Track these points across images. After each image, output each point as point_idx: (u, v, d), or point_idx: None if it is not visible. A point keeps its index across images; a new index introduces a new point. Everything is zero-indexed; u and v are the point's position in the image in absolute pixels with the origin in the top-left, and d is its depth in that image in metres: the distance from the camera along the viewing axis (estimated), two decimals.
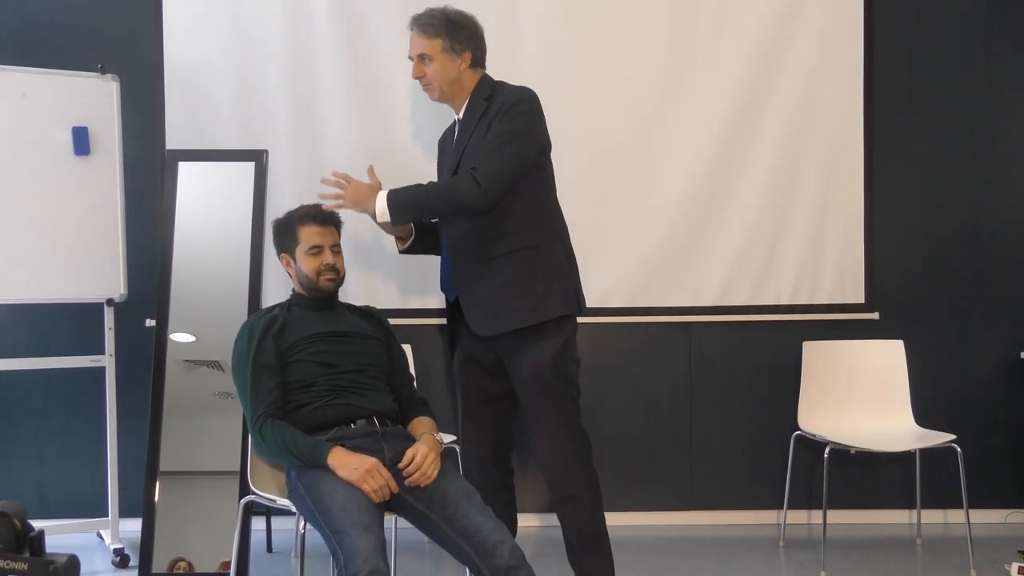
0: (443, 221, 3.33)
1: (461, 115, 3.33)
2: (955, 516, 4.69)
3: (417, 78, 3.30)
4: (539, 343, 3.17)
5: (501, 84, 3.34)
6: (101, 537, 4.48)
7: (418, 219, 3.37)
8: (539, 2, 4.63)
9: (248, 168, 4.26)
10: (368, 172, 3.36)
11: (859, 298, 4.73)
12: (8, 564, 1.29)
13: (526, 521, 4.56)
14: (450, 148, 3.37)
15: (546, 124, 3.31)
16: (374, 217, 3.23)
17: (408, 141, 4.62)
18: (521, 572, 2.68)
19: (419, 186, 3.19)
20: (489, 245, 3.18)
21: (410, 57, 3.30)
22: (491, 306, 3.19)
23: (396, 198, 3.17)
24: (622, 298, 4.67)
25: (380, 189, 3.26)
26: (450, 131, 3.46)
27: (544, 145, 3.29)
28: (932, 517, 4.71)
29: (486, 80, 3.34)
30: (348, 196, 3.22)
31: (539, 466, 3.32)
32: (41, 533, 1.37)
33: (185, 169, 4.26)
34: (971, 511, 4.07)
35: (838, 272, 4.72)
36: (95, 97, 4.25)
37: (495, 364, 3.30)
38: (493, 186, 3.07)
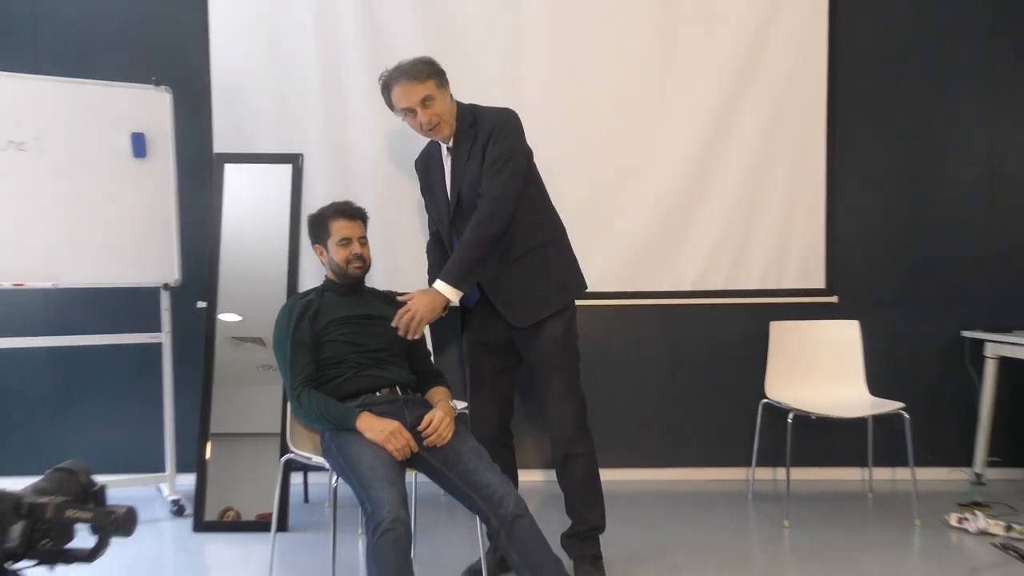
0: (455, 235, 3.24)
1: (451, 143, 3.25)
2: (902, 474, 4.74)
3: (427, 122, 3.14)
4: (552, 322, 3.23)
5: (476, 107, 3.28)
6: (160, 490, 4.53)
7: (479, 277, 3.17)
8: (540, 22, 4.63)
9: (286, 169, 4.30)
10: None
11: (820, 283, 4.76)
12: (76, 513, 1.30)
13: (531, 476, 4.63)
14: (439, 174, 3.31)
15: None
16: (446, 307, 3.12)
17: (422, 141, 4.62)
18: (524, 520, 2.72)
19: (458, 254, 3.07)
20: (508, 250, 3.18)
21: (408, 109, 3.13)
22: (522, 303, 3.21)
23: (453, 277, 3.04)
24: (613, 284, 4.70)
25: (430, 288, 3.10)
26: (431, 155, 3.38)
27: (529, 154, 3.29)
28: (882, 475, 4.76)
29: (462, 107, 3.28)
30: (419, 313, 3.00)
31: (545, 427, 3.34)
32: (103, 487, 1.38)
33: (230, 170, 4.29)
34: (916, 469, 4.09)
35: (802, 261, 4.74)
36: (151, 106, 4.26)
37: (503, 344, 3.33)
38: (507, 205, 3.10)
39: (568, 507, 3.33)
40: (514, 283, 3.21)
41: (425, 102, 3.12)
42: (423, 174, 3.42)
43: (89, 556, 1.33)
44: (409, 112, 3.14)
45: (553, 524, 3.28)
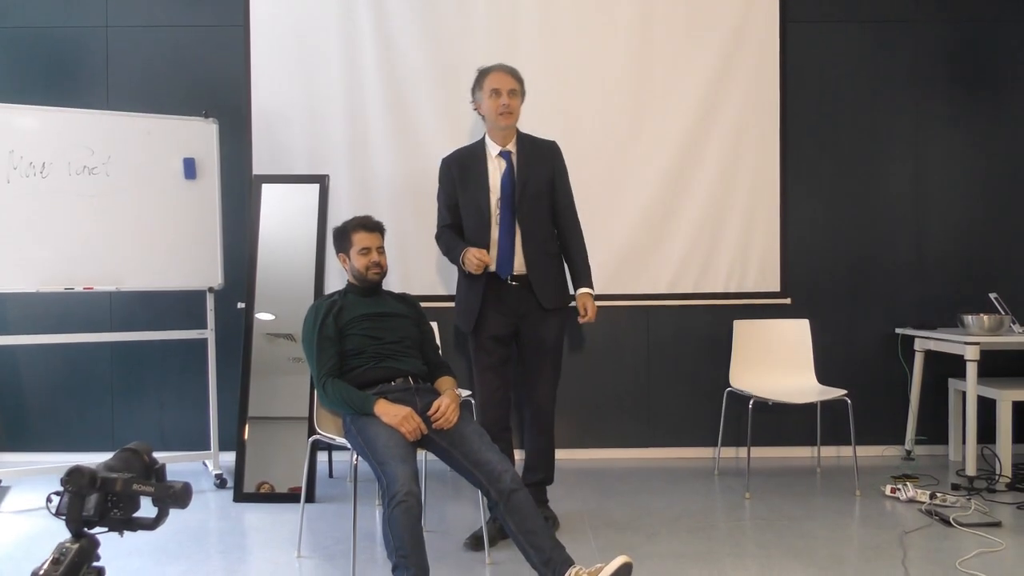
0: (517, 224, 3.37)
1: (512, 147, 3.43)
2: (846, 451, 4.67)
3: (506, 106, 3.34)
4: (558, 317, 3.44)
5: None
6: (206, 465, 4.49)
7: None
8: (534, 58, 4.61)
9: (314, 188, 4.26)
10: None
11: (776, 287, 4.72)
12: (141, 488, 1.32)
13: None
14: (481, 172, 3.41)
15: None
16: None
17: (434, 165, 4.53)
18: (519, 494, 2.69)
19: (585, 264, 3.48)
20: (546, 245, 3.43)
21: (497, 91, 3.34)
22: (553, 288, 3.41)
23: (590, 279, 3.48)
24: (597, 287, 4.54)
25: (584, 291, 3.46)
26: (471, 158, 3.45)
27: None
28: (828, 452, 4.72)
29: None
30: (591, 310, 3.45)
31: (531, 404, 3.44)
32: (163, 465, 1.39)
33: (267, 189, 4.26)
34: (857, 447, 4.07)
35: (760, 268, 4.72)
36: (200, 135, 4.27)
37: (508, 336, 3.40)
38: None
39: (527, 461, 3.48)
40: (548, 272, 3.41)
41: (511, 93, 3.37)
42: (458, 172, 3.45)
43: (152, 524, 1.35)
44: (495, 93, 3.34)
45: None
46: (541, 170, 3.42)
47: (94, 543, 1.26)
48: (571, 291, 3.50)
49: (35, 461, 4.53)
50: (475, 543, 3.20)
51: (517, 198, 3.34)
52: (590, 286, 3.45)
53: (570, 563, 2.58)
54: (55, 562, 1.21)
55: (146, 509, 1.36)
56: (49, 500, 1.28)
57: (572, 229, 3.49)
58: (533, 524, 2.66)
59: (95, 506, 1.27)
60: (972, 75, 4.78)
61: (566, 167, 3.53)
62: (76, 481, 1.27)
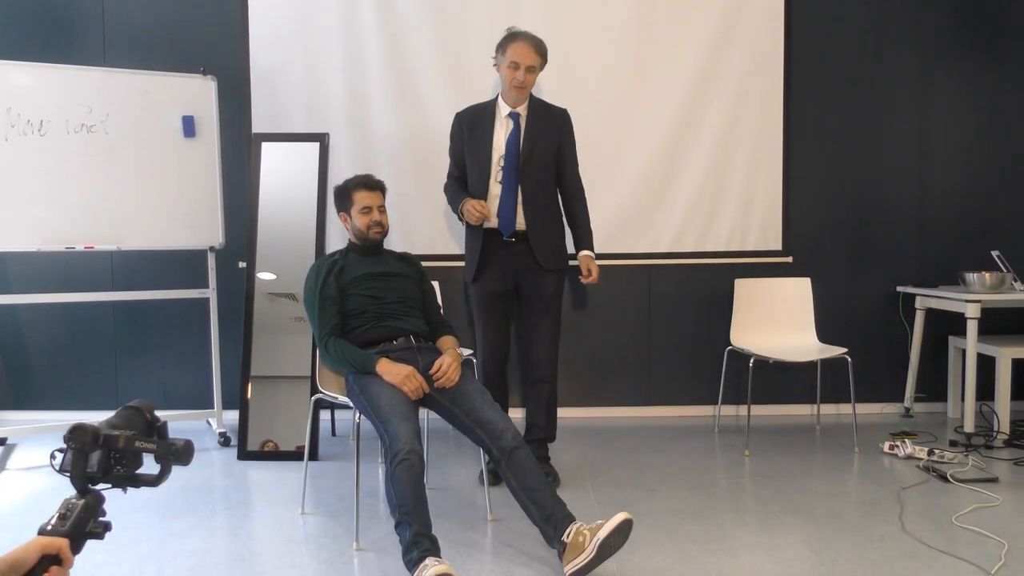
0: (520, 185, 3.43)
1: (523, 111, 3.48)
2: (845, 409, 4.73)
3: (522, 81, 3.38)
4: (556, 276, 3.53)
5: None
6: (209, 423, 4.53)
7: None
8: (535, 19, 4.56)
9: (314, 147, 4.23)
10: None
11: (778, 246, 4.71)
12: (143, 444, 1.33)
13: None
14: (488, 131, 3.47)
15: None
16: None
17: (434, 124, 4.57)
18: (521, 451, 2.71)
19: (586, 226, 3.59)
20: (548, 207, 3.53)
21: (516, 64, 3.36)
22: (551, 249, 3.50)
23: (591, 242, 3.61)
24: (598, 246, 4.55)
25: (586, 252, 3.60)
26: (481, 115, 3.52)
27: None
28: (828, 410, 4.75)
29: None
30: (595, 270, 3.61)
31: (532, 360, 3.53)
32: (165, 423, 1.40)
33: (267, 148, 4.23)
34: (857, 405, 4.10)
35: (762, 226, 4.70)
36: (199, 93, 4.23)
37: (508, 292, 3.52)
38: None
39: (529, 419, 3.56)
40: (547, 234, 3.49)
41: (531, 69, 3.39)
42: (468, 128, 3.52)
43: (155, 481, 1.37)
44: (514, 65, 3.36)
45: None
46: (548, 136, 3.49)
47: (99, 498, 1.28)
48: (570, 252, 3.59)
49: (40, 419, 4.56)
50: (491, 478, 3.29)
51: (521, 161, 3.41)
52: (591, 249, 3.56)
53: (571, 519, 2.60)
54: (62, 517, 1.23)
55: (149, 467, 1.37)
56: (53, 457, 1.30)
57: (576, 194, 3.58)
58: (534, 481, 2.68)
59: (98, 463, 1.28)
60: (976, 33, 4.72)
61: (574, 135, 3.60)
62: (79, 438, 1.28)
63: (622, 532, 2.50)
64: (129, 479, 1.33)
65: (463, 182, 3.57)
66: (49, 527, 1.22)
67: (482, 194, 3.45)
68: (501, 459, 2.71)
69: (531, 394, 3.54)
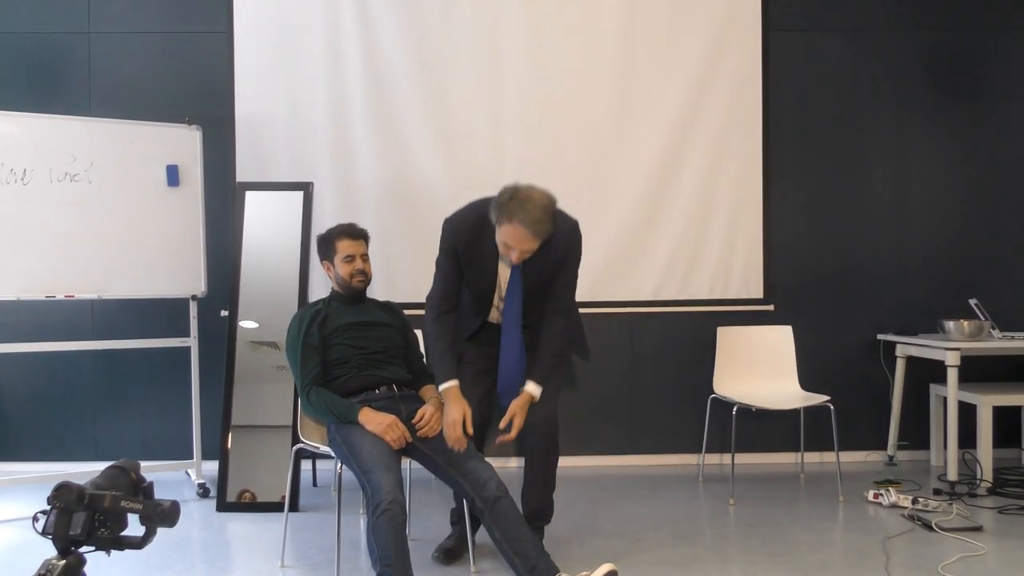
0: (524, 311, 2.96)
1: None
2: (829, 457, 4.72)
3: (517, 260, 2.79)
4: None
5: None
6: (188, 474, 4.45)
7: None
8: (519, 75, 4.63)
9: (298, 196, 4.24)
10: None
11: (759, 294, 4.74)
12: (129, 505, 1.30)
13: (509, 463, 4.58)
14: (490, 253, 2.90)
15: None
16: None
17: (418, 170, 4.63)
18: (504, 501, 2.69)
19: (549, 359, 2.93)
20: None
21: (506, 243, 2.77)
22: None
23: (544, 377, 2.92)
24: (582, 294, 4.57)
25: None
26: (482, 234, 2.90)
27: None
28: (812, 458, 4.73)
29: None
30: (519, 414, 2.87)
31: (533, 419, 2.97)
32: (151, 484, 1.38)
33: (250, 196, 4.24)
34: (840, 453, 4.09)
35: (743, 275, 4.73)
36: (183, 142, 4.23)
37: (491, 366, 3.07)
38: (574, 315, 3.15)
39: (526, 494, 3.08)
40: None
41: (526, 252, 2.79)
42: (467, 246, 2.92)
43: (140, 543, 1.33)
44: (507, 246, 2.77)
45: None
46: (551, 265, 2.93)
47: (81, 560, 1.25)
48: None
49: (15, 471, 4.47)
50: (445, 556, 3.15)
51: (526, 295, 2.95)
52: (541, 382, 2.91)
53: (555, 571, 2.57)
54: None
55: (133, 528, 1.34)
56: (35, 519, 1.26)
57: (557, 312, 3.00)
58: (518, 532, 2.65)
59: (82, 525, 1.25)
60: (953, 83, 4.83)
61: (581, 251, 3.03)
62: (64, 497, 1.25)
63: None
64: (113, 542, 1.29)
65: (454, 310, 3.02)
66: None
67: (481, 315, 3.07)
68: (485, 510, 2.69)
69: (530, 463, 3.06)
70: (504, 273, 2.96)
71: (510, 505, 2.70)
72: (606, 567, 2.49)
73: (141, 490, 1.36)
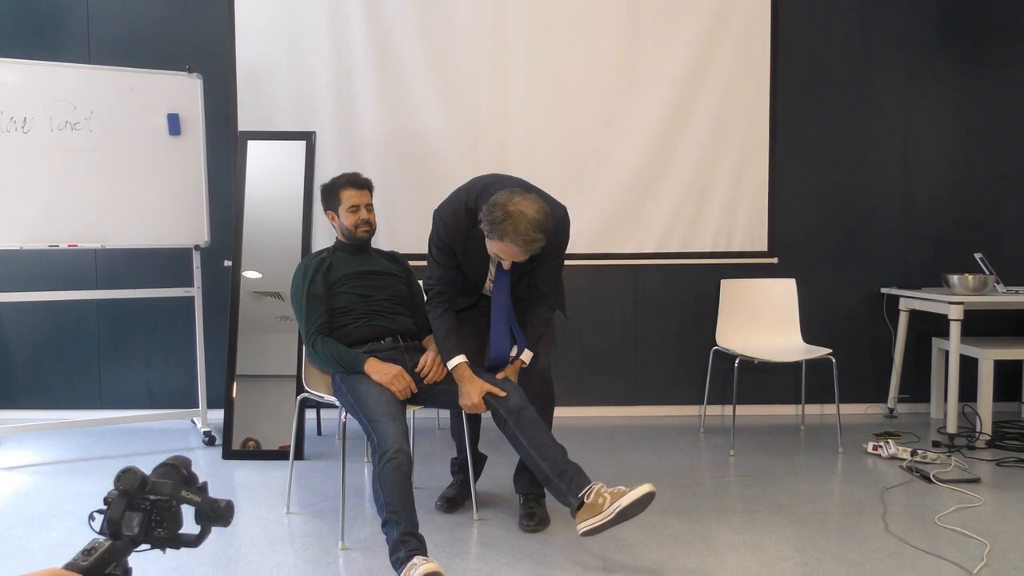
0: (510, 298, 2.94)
1: None
2: (829, 409, 4.77)
3: (508, 264, 2.80)
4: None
5: None
6: (194, 422, 4.51)
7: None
8: (523, 21, 4.57)
9: (301, 145, 4.22)
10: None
11: (763, 247, 4.74)
12: (188, 495, 1.30)
13: None
14: (481, 249, 2.85)
15: None
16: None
17: (421, 122, 4.59)
18: (528, 411, 2.75)
19: (536, 331, 2.95)
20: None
21: (496, 255, 2.77)
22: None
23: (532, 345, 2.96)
24: (585, 246, 4.67)
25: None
26: (473, 235, 2.85)
27: None
28: (812, 410, 4.78)
29: None
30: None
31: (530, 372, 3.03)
32: (205, 483, 1.38)
33: (252, 146, 4.22)
34: (841, 405, 4.13)
35: (748, 227, 4.73)
36: (184, 91, 4.20)
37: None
38: (560, 297, 3.08)
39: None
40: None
41: (518, 261, 2.78)
42: (459, 240, 2.88)
43: (195, 541, 1.34)
44: (499, 257, 2.78)
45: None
46: (540, 256, 2.86)
47: (128, 548, 1.25)
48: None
49: (23, 418, 4.53)
50: (448, 505, 3.20)
51: (514, 279, 2.96)
52: (530, 348, 2.96)
53: (588, 480, 2.61)
54: (85, 552, 1.21)
55: (188, 526, 1.35)
56: (92, 518, 1.27)
57: (544, 297, 2.98)
58: (544, 439, 2.71)
59: (139, 524, 1.26)
60: (961, 37, 4.76)
61: (568, 237, 2.97)
62: (128, 480, 1.26)
63: (643, 503, 2.49)
64: (170, 540, 1.31)
65: (453, 296, 2.99)
66: (70, 560, 1.20)
67: (468, 295, 3.07)
68: (509, 419, 2.74)
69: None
70: (494, 261, 2.91)
71: (533, 414, 2.75)
72: (645, 487, 2.45)
73: (193, 487, 1.37)
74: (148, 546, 1.28)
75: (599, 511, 2.50)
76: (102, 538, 1.24)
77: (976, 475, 3.54)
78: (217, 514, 1.35)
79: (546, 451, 2.68)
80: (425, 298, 3.02)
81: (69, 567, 1.14)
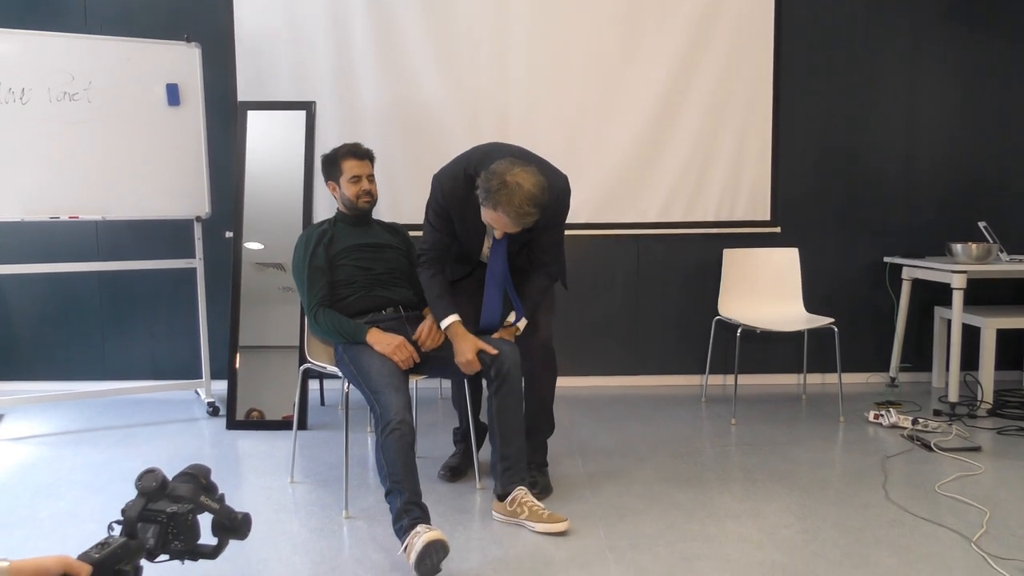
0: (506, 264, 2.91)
1: None
2: (831, 378, 4.78)
3: (502, 235, 2.79)
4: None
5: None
6: (198, 393, 4.54)
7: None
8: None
9: (301, 115, 4.20)
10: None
11: (766, 216, 4.72)
12: (207, 502, 1.31)
13: None
14: (476, 216, 2.81)
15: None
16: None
17: (421, 91, 4.57)
18: (513, 381, 2.81)
19: (532, 300, 2.96)
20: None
21: (489, 223, 2.76)
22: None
23: (545, 303, 3.01)
24: (587, 216, 4.65)
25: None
26: (469, 199, 2.80)
27: None
28: (814, 379, 4.80)
29: None
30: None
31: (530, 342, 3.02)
32: (223, 495, 1.39)
33: (252, 116, 4.20)
34: (843, 375, 4.14)
35: (751, 196, 4.71)
36: (183, 60, 4.18)
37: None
38: (560, 264, 3.06)
39: (529, 418, 3.05)
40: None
41: (510, 231, 2.75)
42: (456, 206, 2.86)
43: (212, 552, 1.34)
44: (493, 227, 2.78)
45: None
46: (539, 227, 2.84)
47: (141, 546, 1.26)
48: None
49: (27, 390, 4.56)
50: (451, 474, 3.23)
51: (512, 250, 2.95)
52: (526, 316, 2.97)
53: (520, 483, 2.76)
54: (100, 545, 1.22)
55: (205, 538, 1.35)
56: (111, 528, 1.28)
57: (543, 266, 2.99)
58: (513, 424, 2.80)
59: (155, 536, 1.26)
60: (967, 4, 4.71)
61: (568, 208, 2.96)
62: (148, 480, 1.28)
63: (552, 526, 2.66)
64: (188, 552, 1.32)
65: (444, 259, 2.98)
66: (83, 552, 1.22)
67: (467, 264, 3.08)
68: (495, 382, 2.79)
69: (530, 386, 3.05)
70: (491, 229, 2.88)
71: (518, 395, 2.81)
72: (562, 525, 2.64)
73: (214, 495, 1.38)
74: (167, 557, 1.29)
75: (508, 512, 2.74)
76: (117, 534, 1.26)
77: (977, 444, 3.56)
78: (234, 525, 1.36)
79: (507, 435, 2.79)
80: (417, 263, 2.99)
81: (81, 558, 1.15)
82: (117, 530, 1.26)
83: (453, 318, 2.86)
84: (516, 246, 2.95)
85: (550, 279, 3.02)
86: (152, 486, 1.28)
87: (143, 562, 1.25)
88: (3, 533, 2.70)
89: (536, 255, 2.98)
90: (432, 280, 2.92)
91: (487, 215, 2.72)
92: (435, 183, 2.88)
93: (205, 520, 1.29)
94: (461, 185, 2.82)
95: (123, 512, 1.28)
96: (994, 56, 4.73)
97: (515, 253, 2.98)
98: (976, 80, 4.74)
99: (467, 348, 2.82)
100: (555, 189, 2.81)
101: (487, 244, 2.98)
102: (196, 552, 1.32)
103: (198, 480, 1.36)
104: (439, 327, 2.91)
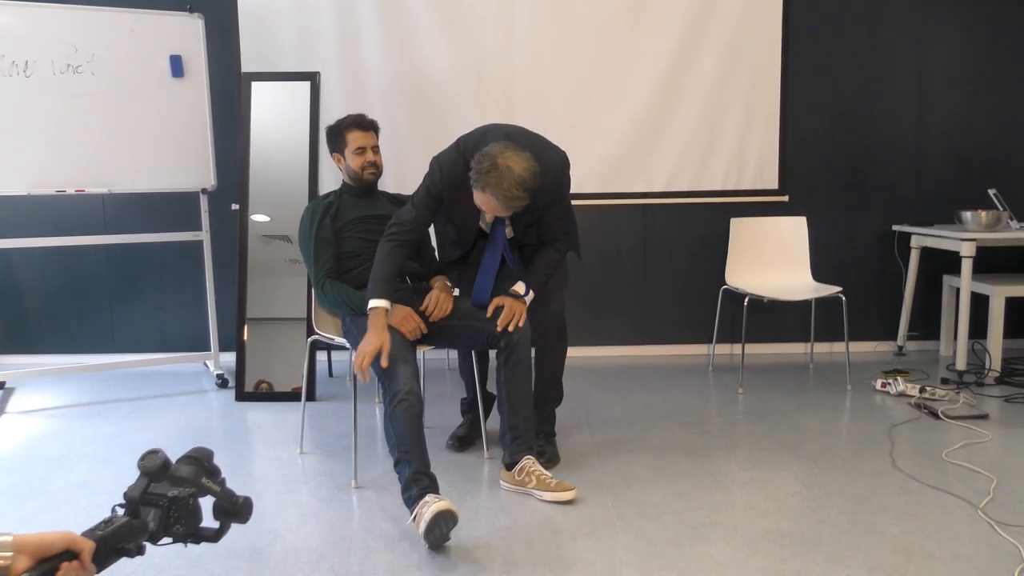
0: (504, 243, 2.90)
1: None
2: (838, 347, 4.78)
3: (491, 219, 2.83)
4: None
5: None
6: (207, 365, 4.56)
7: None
8: None
9: (305, 86, 4.18)
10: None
11: (774, 185, 4.69)
12: (208, 484, 1.31)
13: None
14: (471, 203, 2.74)
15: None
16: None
17: (426, 60, 4.53)
18: (523, 351, 2.80)
19: (543, 271, 2.91)
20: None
21: (479, 205, 2.70)
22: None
23: (536, 284, 2.91)
24: (594, 185, 4.64)
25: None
26: (468, 187, 2.71)
27: None
28: (821, 348, 4.80)
29: None
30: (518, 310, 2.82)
31: (540, 313, 3.00)
32: (224, 479, 1.39)
33: (256, 87, 4.18)
34: (850, 343, 4.14)
35: (758, 165, 4.68)
36: (186, 31, 4.15)
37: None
38: (571, 236, 3.06)
39: (539, 388, 3.07)
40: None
41: (497, 214, 2.73)
42: (452, 191, 2.80)
43: (214, 536, 1.35)
44: (480, 209, 2.75)
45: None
46: (538, 207, 2.81)
47: (144, 527, 1.27)
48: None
49: (37, 363, 4.59)
50: (459, 444, 3.25)
51: (511, 240, 2.95)
52: (532, 288, 2.91)
53: (528, 451, 2.77)
54: (104, 522, 1.23)
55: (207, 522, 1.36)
56: (113, 511, 1.29)
57: (552, 242, 2.96)
58: (522, 394, 2.79)
59: (156, 519, 1.26)
60: None
61: (569, 185, 2.92)
62: (151, 460, 1.28)
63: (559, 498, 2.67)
64: (190, 535, 1.33)
65: (412, 246, 2.85)
66: (88, 528, 1.23)
67: (460, 247, 3.04)
68: (504, 351, 2.79)
69: (540, 355, 3.06)
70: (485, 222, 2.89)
71: (525, 358, 2.79)
72: (569, 494, 2.67)
73: (216, 477, 1.39)
74: (170, 540, 1.31)
75: (516, 481, 2.75)
76: (121, 513, 1.27)
77: (984, 411, 3.56)
78: (235, 508, 1.36)
79: (516, 405, 2.79)
80: (387, 231, 2.85)
81: (85, 535, 1.16)
82: (120, 513, 1.27)
83: (382, 303, 2.69)
84: (522, 225, 2.93)
85: (559, 253, 3.00)
86: (155, 464, 1.29)
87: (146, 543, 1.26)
88: (16, 505, 2.73)
89: (544, 233, 2.97)
90: (389, 256, 2.78)
91: (477, 197, 2.68)
92: (434, 165, 2.84)
93: (207, 504, 1.29)
94: (459, 168, 2.78)
95: (125, 495, 1.29)
96: (1006, 22, 4.67)
97: (522, 232, 2.96)
98: (988, 46, 4.68)
99: (371, 343, 2.60)
100: (552, 169, 2.77)
101: (484, 221, 2.95)
102: (198, 535, 1.33)
103: (200, 463, 1.37)
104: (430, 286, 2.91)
